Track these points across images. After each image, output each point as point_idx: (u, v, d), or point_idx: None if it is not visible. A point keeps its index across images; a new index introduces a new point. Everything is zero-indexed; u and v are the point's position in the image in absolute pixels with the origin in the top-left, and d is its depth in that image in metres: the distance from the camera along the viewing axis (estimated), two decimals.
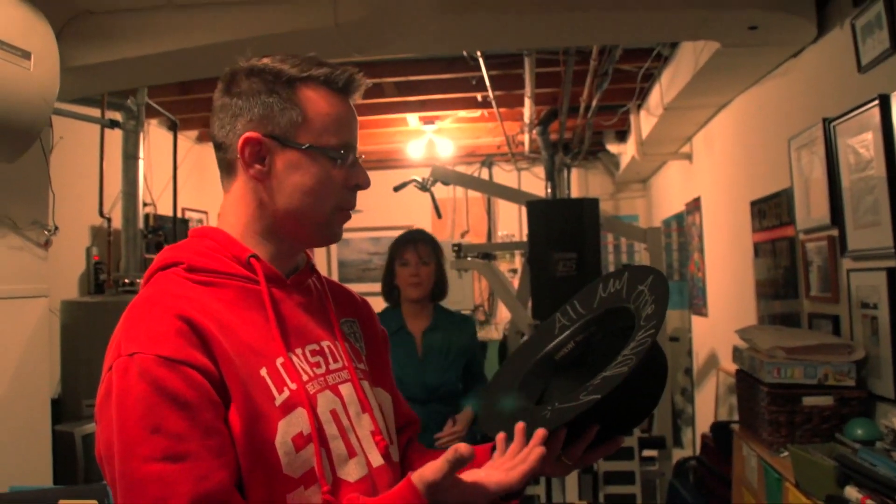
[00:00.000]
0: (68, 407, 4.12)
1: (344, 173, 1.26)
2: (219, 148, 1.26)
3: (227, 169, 1.27)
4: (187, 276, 1.20)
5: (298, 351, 1.23)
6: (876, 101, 2.75)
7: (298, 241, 1.29)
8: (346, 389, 1.27)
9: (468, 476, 1.12)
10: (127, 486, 1.02)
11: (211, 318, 1.12)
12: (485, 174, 8.39)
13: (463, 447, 1.07)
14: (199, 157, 6.83)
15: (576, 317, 1.45)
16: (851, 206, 3.02)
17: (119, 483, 1.03)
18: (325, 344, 1.29)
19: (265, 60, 1.24)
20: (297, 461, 1.12)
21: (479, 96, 5.83)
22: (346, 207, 1.28)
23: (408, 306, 3.24)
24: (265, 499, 1.09)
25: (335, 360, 1.29)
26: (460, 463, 1.07)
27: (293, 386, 1.16)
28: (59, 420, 3.96)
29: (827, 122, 3.18)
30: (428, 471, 1.07)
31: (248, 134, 1.20)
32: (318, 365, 1.25)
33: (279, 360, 1.18)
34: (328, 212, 1.26)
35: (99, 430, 1.09)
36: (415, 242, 3.22)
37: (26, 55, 2.63)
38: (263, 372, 1.14)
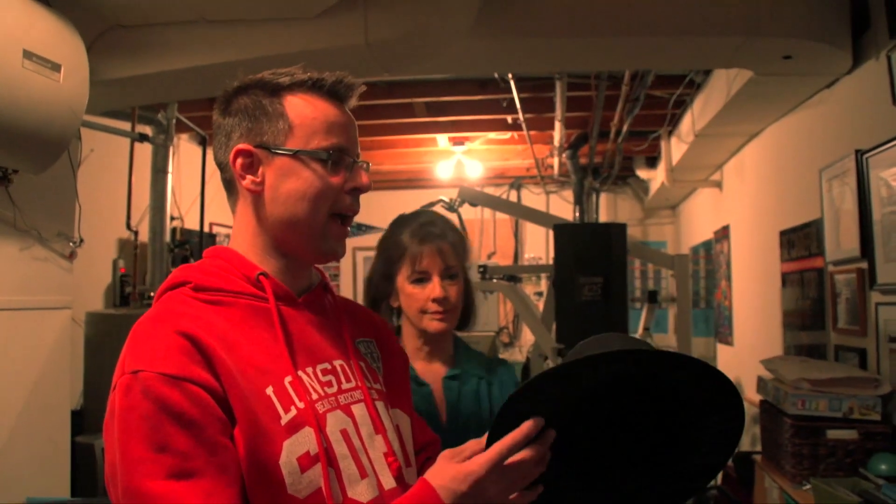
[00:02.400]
0: (90, 419, 4.13)
1: (341, 177, 1.24)
2: (220, 169, 1.28)
3: (229, 189, 1.28)
4: (194, 295, 1.19)
5: (309, 370, 1.21)
6: None
7: (298, 254, 1.27)
8: (359, 410, 1.25)
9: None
10: None
11: (215, 336, 1.12)
12: (513, 196, 8.39)
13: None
14: None
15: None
16: (882, 239, 2.97)
17: (123, 502, 1.02)
18: (337, 363, 1.27)
19: (255, 77, 1.25)
20: (302, 482, 1.10)
21: (509, 118, 5.83)
22: (343, 212, 1.26)
23: (416, 341, 2.02)
24: None
25: (348, 380, 1.27)
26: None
27: (301, 405, 1.15)
28: (79, 432, 3.96)
29: (860, 153, 3.14)
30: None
31: (238, 146, 1.22)
32: (329, 384, 1.23)
33: (287, 379, 1.16)
34: (321, 219, 1.23)
35: (105, 449, 1.08)
36: (435, 239, 1.94)
37: (56, 67, 2.66)
38: (269, 391, 1.13)
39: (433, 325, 1.93)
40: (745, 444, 5.01)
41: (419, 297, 1.93)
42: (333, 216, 1.25)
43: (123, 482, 1.01)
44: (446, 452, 1.15)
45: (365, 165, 1.28)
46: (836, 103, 3.57)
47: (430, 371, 2.01)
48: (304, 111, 1.22)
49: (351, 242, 9.72)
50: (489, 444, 1.13)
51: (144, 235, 4.91)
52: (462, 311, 2.03)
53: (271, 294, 1.22)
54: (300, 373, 1.19)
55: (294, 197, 1.21)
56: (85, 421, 4.14)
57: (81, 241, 3.47)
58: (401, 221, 2.03)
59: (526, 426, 1.11)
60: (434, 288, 1.91)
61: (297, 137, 1.21)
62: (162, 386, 1.03)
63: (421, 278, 1.93)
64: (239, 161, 1.22)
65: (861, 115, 3.28)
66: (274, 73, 1.24)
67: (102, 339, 4.20)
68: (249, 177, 1.22)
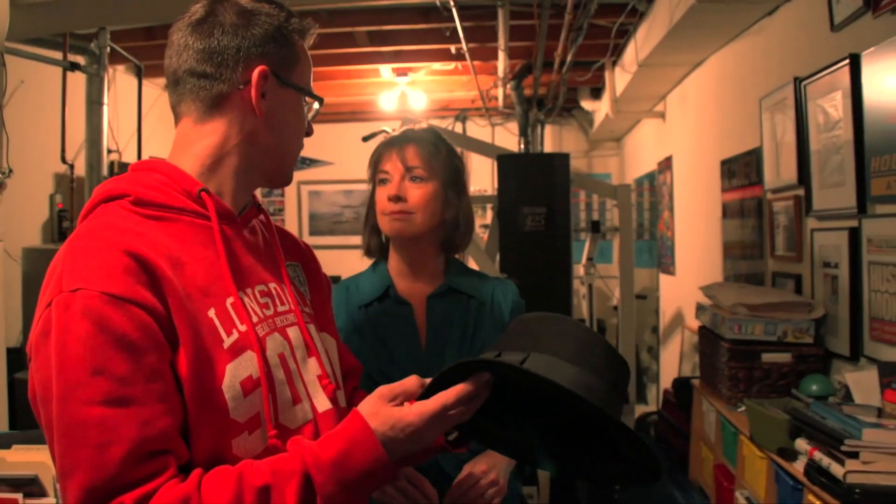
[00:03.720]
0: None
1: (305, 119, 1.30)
2: (203, 76, 1.19)
3: (214, 99, 1.20)
4: (135, 209, 1.13)
5: (249, 291, 1.20)
6: (846, 61, 2.74)
7: (269, 178, 1.28)
8: (293, 332, 1.25)
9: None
10: (65, 430, 0.97)
11: (162, 254, 1.07)
12: (458, 128, 8.33)
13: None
14: (167, 105, 6.64)
15: None
16: (818, 166, 3.02)
17: (56, 426, 0.98)
18: (272, 285, 1.25)
19: (271, 4, 1.24)
20: (243, 405, 1.09)
21: (452, 48, 5.76)
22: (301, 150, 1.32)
23: (397, 257, 1.91)
24: (211, 445, 1.06)
25: (282, 303, 1.26)
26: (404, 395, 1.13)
27: (243, 328, 1.13)
28: (19, 368, 3.90)
29: (798, 81, 3.17)
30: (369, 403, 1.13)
31: (262, 67, 1.19)
32: (266, 306, 1.21)
33: (229, 301, 1.14)
34: (297, 153, 1.30)
35: (34, 369, 1.03)
36: (401, 141, 1.86)
37: None
38: (212, 313, 1.10)
39: (391, 225, 1.82)
40: (684, 370, 5.13)
41: (380, 196, 1.83)
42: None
43: (58, 405, 0.98)
44: (383, 391, 1.13)
45: None
46: (777, 31, 3.58)
47: (414, 290, 1.90)
48: (304, 54, 1.28)
49: (295, 176, 9.54)
50: (433, 386, 1.12)
51: (81, 170, 4.79)
52: (451, 231, 1.90)
53: (214, 212, 1.17)
54: (241, 294, 1.17)
55: (291, 130, 1.26)
56: (24, 358, 4.07)
57: (10, 171, 3.34)
58: (386, 138, 1.94)
59: (472, 384, 1.11)
60: (392, 186, 1.81)
61: (299, 75, 1.26)
62: (104, 306, 0.98)
63: (382, 178, 1.84)
64: (261, 83, 1.19)
65: (800, 43, 3.30)
66: (276, 6, 1.24)
67: (41, 275, 4.06)
68: (262, 99, 1.20)
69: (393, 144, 1.85)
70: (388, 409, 1.10)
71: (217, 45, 1.18)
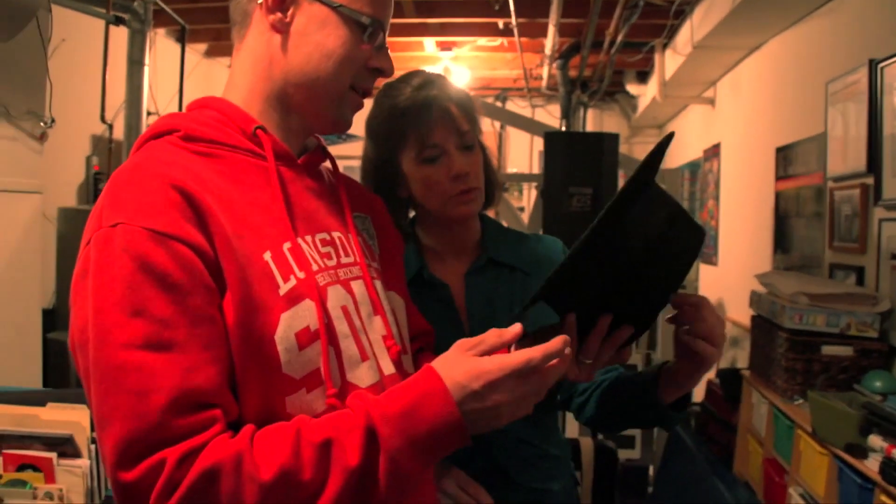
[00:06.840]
0: (63, 317, 4.03)
1: (369, 51, 1.10)
2: None
3: (241, 17, 1.11)
4: (184, 145, 1.03)
5: (308, 238, 1.07)
6: None
7: (306, 114, 1.13)
8: (358, 287, 1.12)
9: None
10: (102, 376, 0.88)
11: (209, 191, 0.97)
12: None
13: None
14: (207, 71, 6.66)
15: None
16: (891, 153, 2.88)
17: (93, 372, 0.89)
18: (336, 234, 1.13)
19: None
20: (299, 360, 0.98)
21: (500, 23, 5.63)
22: (361, 88, 1.13)
23: (435, 236, 1.62)
24: (261, 401, 0.96)
25: (346, 255, 1.14)
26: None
27: (301, 275, 1.01)
28: (53, 329, 3.86)
29: (874, 63, 3.01)
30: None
31: None
32: (328, 256, 1.09)
33: (286, 245, 1.02)
34: (343, 85, 1.10)
35: (73, 312, 0.94)
36: (441, 101, 1.49)
37: None
38: (267, 256, 0.99)
39: (460, 210, 1.50)
40: (724, 363, 5.00)
41: (437, 177, 1.48)
42: (352, 88, 1.11)
43: (95, 348, 0.88)
44: (462, 342, 1.00)
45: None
46: (850, 11, 3.42)
47: (450, 268, 1.61)
48: None
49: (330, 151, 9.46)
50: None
51: (119, 132, 4.73)
52: (488, 184, 1.58)
53: (270, 151, 1.07)
54: (299, 240, 1.05)
55: (320, 51, 1.07)
56: (58, 319, 4.04)
57: (53, 121, 3.24)
58: (389, 90, 1.54)
59: (561, 339, 0.98)
60: (453, 162, 1.47)
61: None
62: (146, 241, 0.89)
63: (433, 156, 1.48)
64: None
65: (876, 23, 3.14)
66: None
67: (76, 236, 4.03)
68: (278, 13, 1.07)
69: (433, 108, 1.47)
70: (465, 356, 0.98)
71: None
